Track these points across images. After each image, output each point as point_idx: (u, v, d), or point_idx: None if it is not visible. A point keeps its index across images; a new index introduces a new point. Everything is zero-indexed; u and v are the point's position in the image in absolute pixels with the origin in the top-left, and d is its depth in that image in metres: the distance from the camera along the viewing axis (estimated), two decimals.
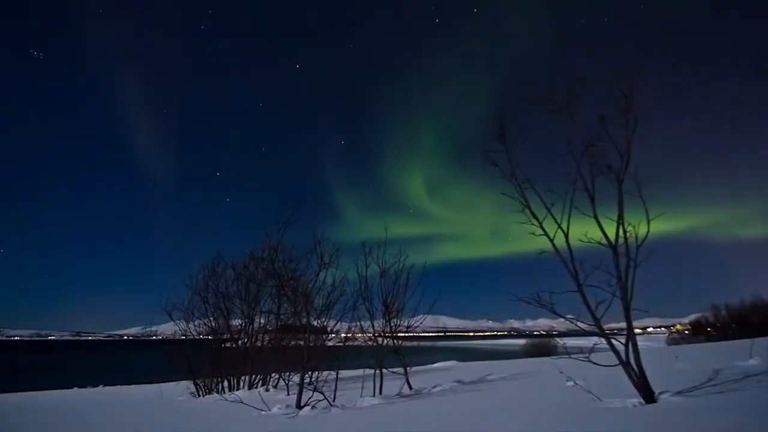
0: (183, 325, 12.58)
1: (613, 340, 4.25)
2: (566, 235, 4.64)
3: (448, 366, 17.34)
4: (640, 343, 4.32)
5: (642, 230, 4.31)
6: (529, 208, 4.88)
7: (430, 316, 8.66)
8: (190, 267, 12.90)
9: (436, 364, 18.07)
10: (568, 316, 4.69)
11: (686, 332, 42.06)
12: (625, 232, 4.33)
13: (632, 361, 4.07)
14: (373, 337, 8.40)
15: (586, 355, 4.54)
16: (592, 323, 4.40)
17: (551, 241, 4.67)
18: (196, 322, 12.61)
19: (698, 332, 38.04)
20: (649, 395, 3.98)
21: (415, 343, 9.33)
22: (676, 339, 38.90)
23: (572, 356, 4.92)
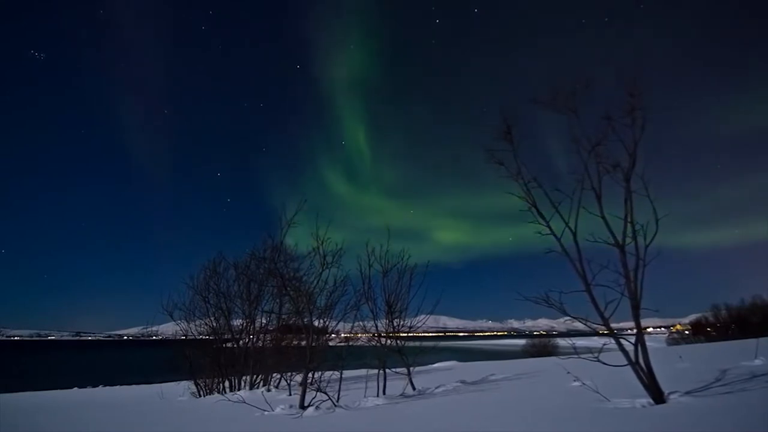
0: (184, 325, 12.54)
1: (621, 340, 4.21)
2: (574, 235, 4.60)
3: (449, 366, 17.28)
4: None
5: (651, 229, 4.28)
6: (535, 206, 4.84)
7: (430, 317, 8.63)
8: (190, 267, 12.85)
9: (436, 365, 18.00)
10: (574, 315, 4.64)
11: (686, 332, 41.98)
12: (634, 231, 4.30)
13: (641, 361, 4.03)
14: (375, 337, 8.35)
15: (595, 355, 4.50)
16: (600, 323, 4.36)
17: (558, 240, 4.62)
18: (197, 322, 12.57)
19: (698, 332, 37.96)
20: (658, 396, 3.94)
21: (417, 343, 9.29)
22: (677, 339, 38.83)
23: (581, 356, 4.87)
